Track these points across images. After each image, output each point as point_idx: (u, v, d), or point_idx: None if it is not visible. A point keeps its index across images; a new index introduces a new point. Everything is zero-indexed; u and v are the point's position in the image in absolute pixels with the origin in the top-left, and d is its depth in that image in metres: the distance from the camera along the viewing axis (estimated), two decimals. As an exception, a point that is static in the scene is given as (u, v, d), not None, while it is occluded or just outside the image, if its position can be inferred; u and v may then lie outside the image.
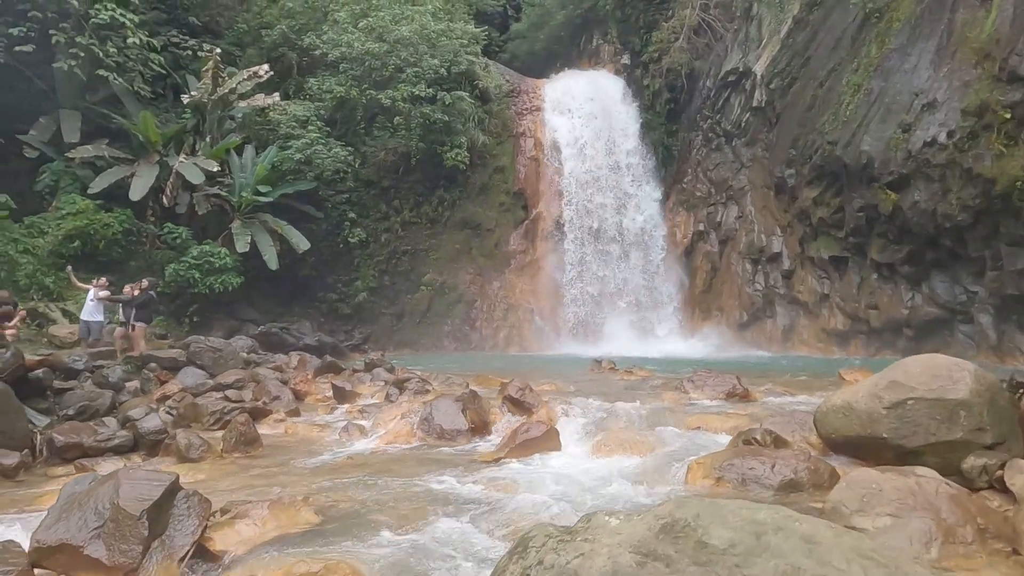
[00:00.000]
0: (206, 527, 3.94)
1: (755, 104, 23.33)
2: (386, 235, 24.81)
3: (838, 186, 19.28)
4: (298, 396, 10.00)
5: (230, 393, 9.36)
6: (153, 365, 10.65)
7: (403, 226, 25.01)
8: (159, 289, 18.61)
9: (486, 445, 7.23)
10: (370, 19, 23.43)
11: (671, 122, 26.82)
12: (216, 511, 4.20)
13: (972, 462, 4.54)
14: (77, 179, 18.93)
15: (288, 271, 22.39)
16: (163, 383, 10.14)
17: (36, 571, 3.56)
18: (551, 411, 8.10)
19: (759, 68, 23.15)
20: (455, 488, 5.22)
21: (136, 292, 12.79)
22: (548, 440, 6.76)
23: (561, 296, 24.94)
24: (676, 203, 25.92)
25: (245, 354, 11.99)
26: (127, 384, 9.86)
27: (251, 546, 3.91)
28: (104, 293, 12.43)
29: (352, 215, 23.80)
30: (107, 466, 6.72)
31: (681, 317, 24.46)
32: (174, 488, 3.97)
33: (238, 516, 4.15)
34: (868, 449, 5.23)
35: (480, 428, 7.74)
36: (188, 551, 3.73)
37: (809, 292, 20.73)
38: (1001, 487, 4.25)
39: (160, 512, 3.80)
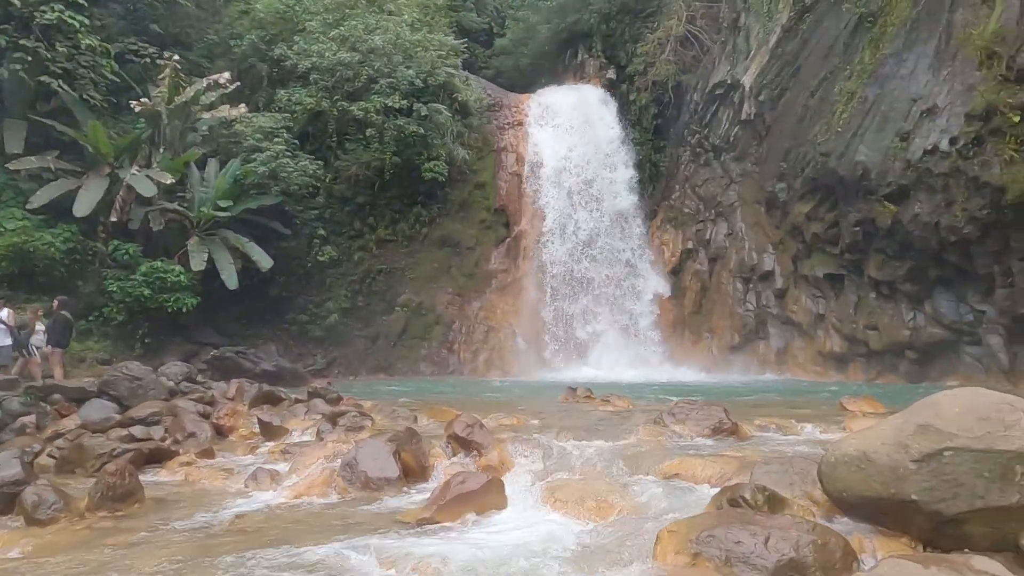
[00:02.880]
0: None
1: (744, 117, 22.38)
2: (360, 253, 23.57)
3: (832, 200, 18.26)
4: (221, 432, 8.65)
5: (136, 430, 8.00)
6: (57, 396, 9.29)
7: (378, 244, 23.81)
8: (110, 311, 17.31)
9: (419, 497, 5.91)
10: (342, 28, 22.42)
11: (658, 137, 25.92)
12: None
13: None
14: (21, 193, 17.65)
15: (255, 291, 21.10)
16: (63, 417, 8.78)
17: None
18: (504, 453, 6.80)
19: (747, 80, 22.22)
20: (339, 572, 3.91)
21: (35, 316, 11.41)
22: (489, 494, 5.43)
23: (544, 318, 23.68)
24: (664, 220, 24.87)
25: (174, 383, 10.62)
26: (23, 419, 8.51)
27: None
28: (6, 311, 11.05)
29: (322, 232, 22.57)
30: (-64, 529, 5.38)
31: (670, 339, 23.19)
32: None
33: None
34: (893, 514, 3.97)
35: (416, 474, 6.43)
36: None
37: (803, 312, 19.59)
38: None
39: None
